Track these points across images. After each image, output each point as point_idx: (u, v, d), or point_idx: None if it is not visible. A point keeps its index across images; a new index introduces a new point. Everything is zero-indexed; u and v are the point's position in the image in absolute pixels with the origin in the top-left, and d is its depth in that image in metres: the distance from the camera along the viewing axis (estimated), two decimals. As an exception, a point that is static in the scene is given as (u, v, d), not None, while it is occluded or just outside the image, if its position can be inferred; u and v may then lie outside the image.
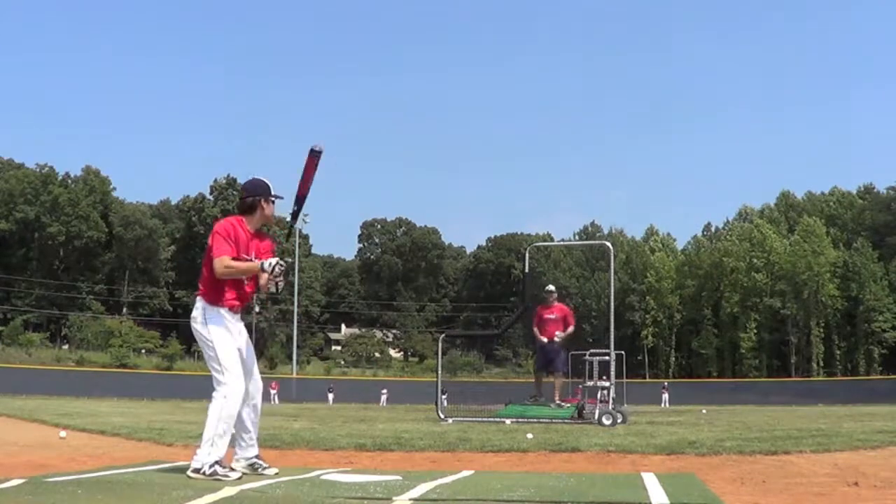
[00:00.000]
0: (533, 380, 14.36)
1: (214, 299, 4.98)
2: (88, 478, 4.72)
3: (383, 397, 43.39)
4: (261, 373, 5.27)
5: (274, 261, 4.94)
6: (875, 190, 76.75)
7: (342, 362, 77.94)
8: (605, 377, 11.60)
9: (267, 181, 5.19)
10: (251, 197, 5.12)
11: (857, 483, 4.74)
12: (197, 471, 4.70)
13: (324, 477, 4.91)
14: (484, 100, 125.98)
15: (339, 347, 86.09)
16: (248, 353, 5.10)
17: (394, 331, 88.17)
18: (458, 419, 12.07)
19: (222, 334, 4.93)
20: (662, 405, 35.42)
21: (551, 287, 13.58)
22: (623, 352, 14.88)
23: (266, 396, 33.45)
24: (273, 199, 5.14)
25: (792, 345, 66.83)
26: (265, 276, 5.01)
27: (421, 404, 23.33)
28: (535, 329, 13.05)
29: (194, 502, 3.74)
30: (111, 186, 77.37)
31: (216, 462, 4.71)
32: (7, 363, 47.85)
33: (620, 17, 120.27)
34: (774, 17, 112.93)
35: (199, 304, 5.01)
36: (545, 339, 12.82)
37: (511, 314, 62.92)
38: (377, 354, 79.91)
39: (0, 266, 69.05)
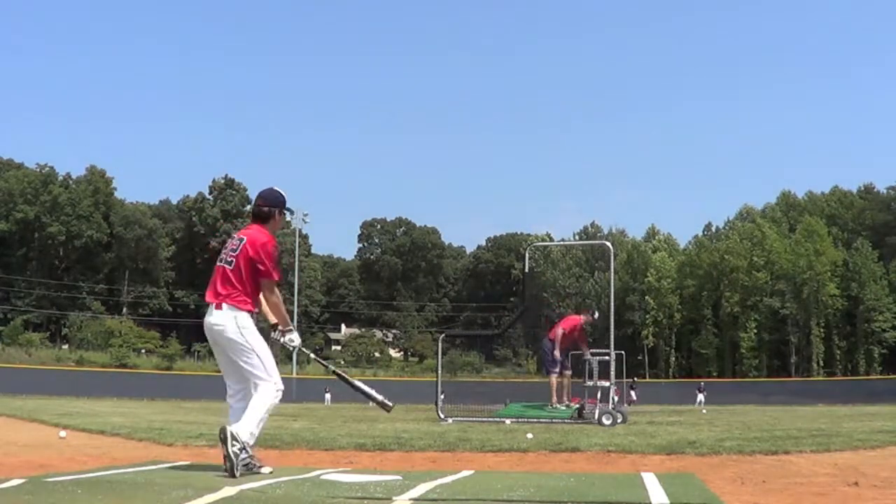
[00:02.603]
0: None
1: (247, 306, 5.05)
2: (88, 478, 4.72)
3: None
4: None
5: (296, 342, 5.24)
6: (875, 190, 76.76)
7: (342, 362, 77.87)
8: (604, 377, 11.62)
9: (283, 193, 5.29)
10: (269, 207, 5.22)
11: (857, 483, 4.74)
12: (243, 448, 4.73)
13: (324, 477, 4.90)
14: (483, 99, 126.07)
15: (338, 347, 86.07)
16: None
17: (394, 331, 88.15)
18: (458, 419, 12.07)
19: (260, 340, 5.03)
20: (697, 404, 34.86)
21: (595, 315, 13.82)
22: (623, 352, 14.87)
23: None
24: (286, 211, 5.30)
25: (792, 345, 66.78)
26: (275, 334, 5.21)
27: (421, 404, 23.30)
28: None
29: (194, 502, 3.74)
30: (113, 186, 77.50)
31: (250, 455, 4.84)
32: (7, 363, 47.82)
33: (621, 17, 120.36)
34: (774, 17, 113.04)
35: (231, 312, 5.00)
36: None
37: (511, 314, 62.94)
38: (377, 354, 79.91)
39: (0, 266, 69.04)
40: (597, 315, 13.92)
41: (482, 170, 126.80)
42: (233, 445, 4.66)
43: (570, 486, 4.57)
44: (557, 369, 13.06)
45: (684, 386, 48.10)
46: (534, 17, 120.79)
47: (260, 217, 5.22)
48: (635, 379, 37.08)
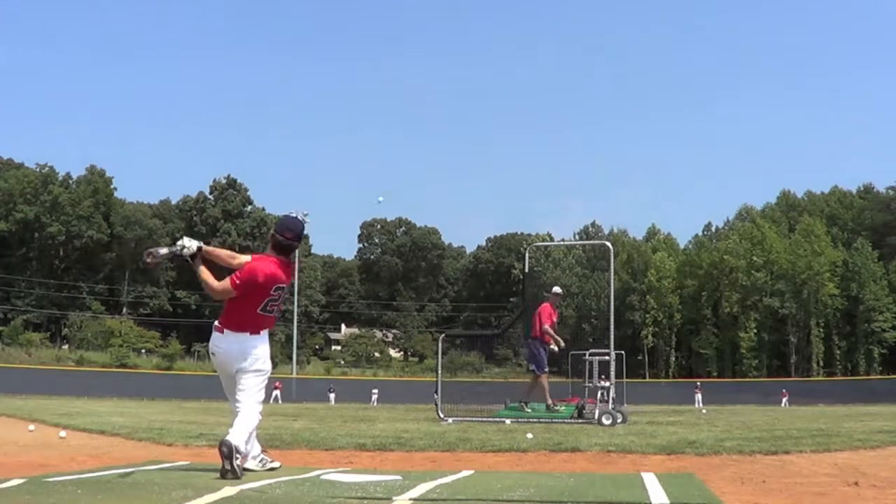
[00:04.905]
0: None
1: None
2: (88, 478, 4.72)
3: (374, 397, 43.55)
4: None
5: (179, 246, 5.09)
6: (875, 190, 76.80)
7: (342, 362, 77.89)
8: (604, 377, 11.59)
9: (303, 223, 5.38)
10: (291, 241, 5.20)
11: (857, 483, 4.74)
12: (253, 458, 5.08)
13: (324, 477, 4.90)
14: (484, 99, 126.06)
15: (338, 347, 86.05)
16: None
17: (394, 331, 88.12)
18: (458, 419, 12.06)
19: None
20: (696, 405, 34.82)
21: (557, 289, 13.33)
22: (623, 352, 14.86)
23: (268, 397, 33.82)
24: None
25: (792, 344, 66.77)
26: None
27: (421, 404, 23.30)
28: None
29: (194, 502, 3.74)
30: (113, 186, 77.42)
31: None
32: (7, 363, 47.82)
33: (621, 18, 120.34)
34: (773, 17, 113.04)
35: (252, 339, 5.07)
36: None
37: (511, 314, 62.85)
38: (377, 354, 79.88)
39: (0, 266, 69.01)
40: (557, 289, 13.29)
41: (482, 169, 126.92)
42: (235, 459, 4.73)
43: (570, 486, 4.57)
44: (546, 368, 12.79)
45: (684, 386, 48.12)
46: (535, 17, 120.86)
47: (281, 248, 5.19)
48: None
